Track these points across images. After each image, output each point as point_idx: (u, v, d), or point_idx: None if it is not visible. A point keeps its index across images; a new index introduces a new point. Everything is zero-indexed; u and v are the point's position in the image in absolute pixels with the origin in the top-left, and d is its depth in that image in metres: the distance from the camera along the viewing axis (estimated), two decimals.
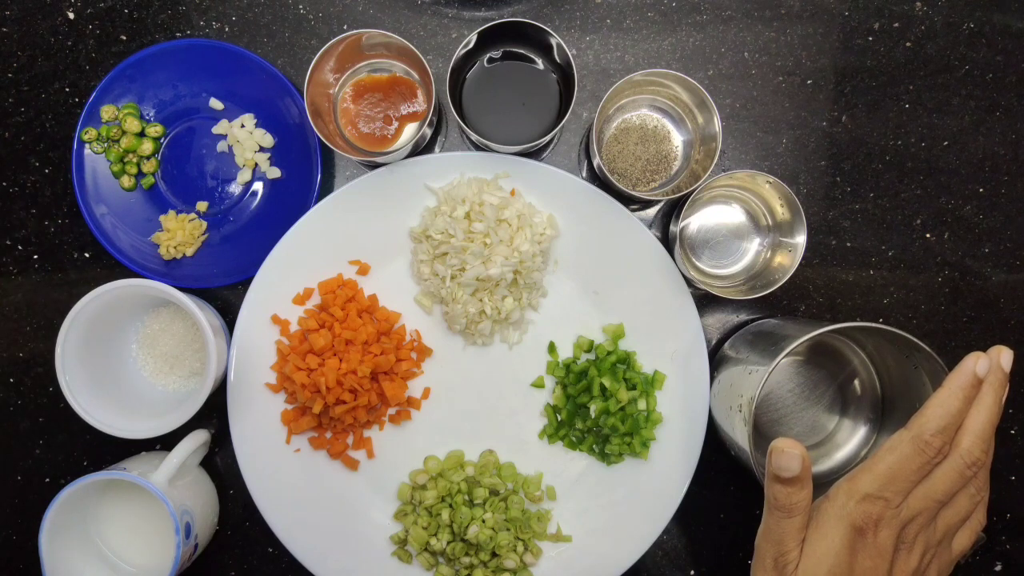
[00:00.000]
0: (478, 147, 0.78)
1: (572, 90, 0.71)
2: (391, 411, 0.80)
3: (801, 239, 0.73)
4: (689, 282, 0.77)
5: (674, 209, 0.79)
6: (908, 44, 0.82)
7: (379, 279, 0.80)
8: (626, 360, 0.78)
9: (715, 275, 0.80)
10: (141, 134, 0.79)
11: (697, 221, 0.80)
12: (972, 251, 0.82)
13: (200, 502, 0.75)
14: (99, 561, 0.73)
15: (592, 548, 0.78)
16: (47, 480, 0.82)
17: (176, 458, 0.72)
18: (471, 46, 0.71)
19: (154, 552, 0.74)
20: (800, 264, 0.73)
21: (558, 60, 0.73)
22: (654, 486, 0.77)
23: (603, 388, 0.77)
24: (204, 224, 0.80)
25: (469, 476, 0.78)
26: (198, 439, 0.75)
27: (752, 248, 0.80)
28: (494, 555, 0.76)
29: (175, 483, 0.72)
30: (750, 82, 0.82)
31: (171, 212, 0.80)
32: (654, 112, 0.79)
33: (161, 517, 0.73)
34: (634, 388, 0.78)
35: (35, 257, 0.82)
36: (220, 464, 0.81)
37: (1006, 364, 0.56)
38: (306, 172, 0.79)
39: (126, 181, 0.80)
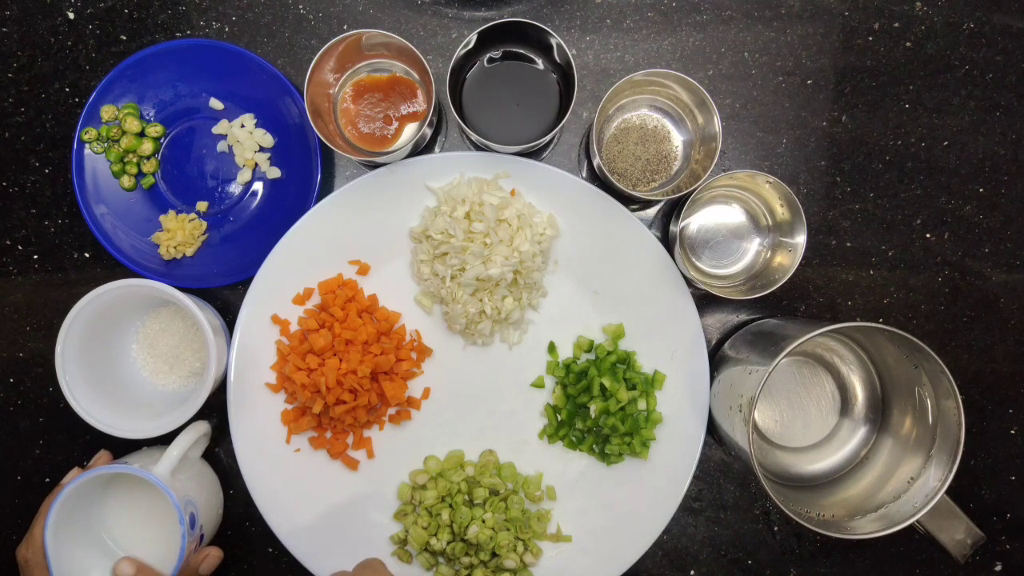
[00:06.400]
0: (478, 147, 0.78)
1: (572, 90, 0.71)
2: (391, 411, 0.80)
3: (801, 239, 0.73)
4: (689, 282, 0.77)
5: (674, 209, 0.79)
6: (908, 44, 0.82)
7: (379, 279, 0.80)
8: (626, 360, 0.78)
9: (715, 275, 0.80)
10: (141, 134, 0.79)
11: (697, 221, 0.80)
12: (972, 251, 0.82)
13: (204, 493, 0.75)
14: (104, 556, 0.73)
15: (592, 548, 0.78)
16: (47, 480, 0.82)
17: (177, 449, 0.72)
18: (471, 46, 0.71)
19: (159, 545, 0.74)
20: (800, 264, 0.73)
21: (558, 60, 0.73)
22: (654, 486, 0.77)
23: (603, 388, 0.77)
24: (204, 224, 0.80)
25: (469, 476, 0.78)
26: (198, 430, 0.75)
27: (752, 248, 0.80)
28: (494, 555, 0.76)
29: (177, 475, 0.72)
30: (750, 82, 0.82)
31: (171, 212, 0.80)
32: (654, 112, 0.79)
33: (165, 510, 0.73)
34: (634, 388, 0.78)
35: (35, 257, 0.82)
36: (220, 464, 0.81)
37: None
38: (306, 172, 0.79)
39: (126, 181, 0.80)
